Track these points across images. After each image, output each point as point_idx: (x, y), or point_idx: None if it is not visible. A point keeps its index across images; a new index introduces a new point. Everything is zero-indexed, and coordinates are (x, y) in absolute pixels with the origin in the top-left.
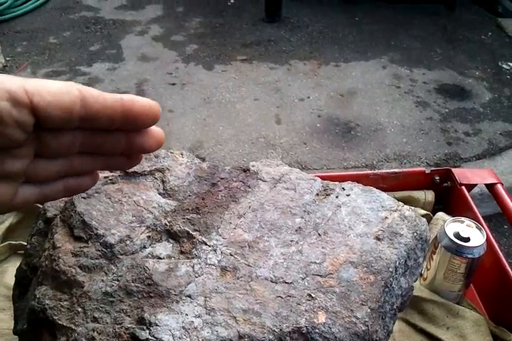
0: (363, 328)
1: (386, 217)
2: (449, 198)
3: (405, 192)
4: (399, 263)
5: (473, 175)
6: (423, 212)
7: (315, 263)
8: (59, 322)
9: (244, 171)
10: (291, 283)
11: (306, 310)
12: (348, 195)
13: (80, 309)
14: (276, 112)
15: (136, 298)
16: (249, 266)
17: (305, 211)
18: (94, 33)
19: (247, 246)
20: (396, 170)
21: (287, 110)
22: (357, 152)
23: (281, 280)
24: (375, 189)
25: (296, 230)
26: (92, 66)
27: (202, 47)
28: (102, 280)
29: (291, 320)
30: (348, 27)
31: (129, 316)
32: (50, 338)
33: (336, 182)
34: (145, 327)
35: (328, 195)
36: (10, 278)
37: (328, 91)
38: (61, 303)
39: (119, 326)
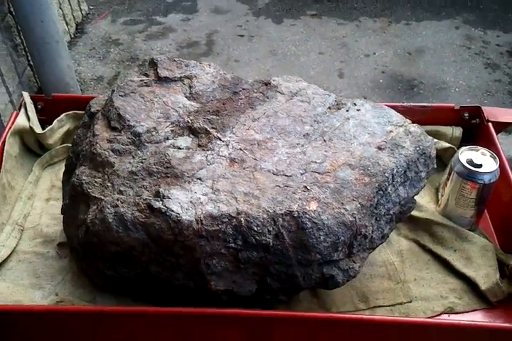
0: (350, 219)
1: (391, 131)
2: (476, 135)
3: (433, 127)
4: (397, 171)
5: (503, 114)
6: (447, 145)
7: (315, 162)
8: (92, 194)
9: (266, 84)
10: (290, 176)
11: (299, 199)
12: (358, 110)
13: (109, 184)
14: (339, 66)
15: (155, 177)
16: (255, 159)
17: (315, 121)
18: None
19: (256, 144)
20: (425, 103)
21: (351, 65)
22: None
23: (282, 173)
24: (386, 106)
25: (303, 135)
26: (167, 16)
27: (273, 1)
28: (129, 162)
29: (285, 205)
30: None
31: (147, 191)
32: (84, 208)
33: (350, 99)
34: (159, 199)
35: (340, 108)
36: None
37: (395, 48)
38: (95, 180)
39: (138, 197)
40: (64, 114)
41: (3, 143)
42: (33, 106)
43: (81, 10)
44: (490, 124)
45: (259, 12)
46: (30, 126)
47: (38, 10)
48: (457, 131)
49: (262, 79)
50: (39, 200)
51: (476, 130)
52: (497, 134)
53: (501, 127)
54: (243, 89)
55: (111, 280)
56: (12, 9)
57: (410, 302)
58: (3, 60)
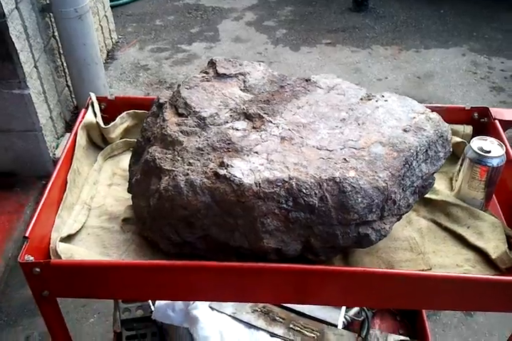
0: (383, 184)
1: (414, 117)
2: (485, 132)
3: None
4: (420, 149)
5: (509, 113)
6: (459, 139)
7: (352, 140)
8: (164, 167)
9: (307, 81)
10: (331, 150)
11: (340, 168)
12: (386, 101)
13: (179, 158)
14: None
15: (219, 152)
16: (301, 137)
17: (350, 109)
18: (195, 17)
19: (301, 126)
20: (439, 104)
21: (364, 88)
22: None
23: (325, 148)
24: (409, 98)
25: (340, 120)
26: (191, 45)
27: (290, 32)
28: (196, 141)
29: (329, 172)
30: (432, 18)
31: (213, 162)
32: (156, 180)
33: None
34: (224, 168)
35: (370, 99)
36: (125, 164)
37: (406, 73)
38: (166, 156)
39: (205, 167)
40: (125, 112)
41: (75, 134)
42: (97, 105)
43: (111, 38)
44: (497, 121)
45: (277, 41)
46: (97, 122)
47: (81, 34)
48: (468, 129)
49: (304, 77)
50: (102, 185)
51: (484, 127)
52: (504, 131)
53: (507, 124)
54: (288, 84)
55: (174, 245)
56: (56, 33)
57: (430, 269)
58: (46, 80)
